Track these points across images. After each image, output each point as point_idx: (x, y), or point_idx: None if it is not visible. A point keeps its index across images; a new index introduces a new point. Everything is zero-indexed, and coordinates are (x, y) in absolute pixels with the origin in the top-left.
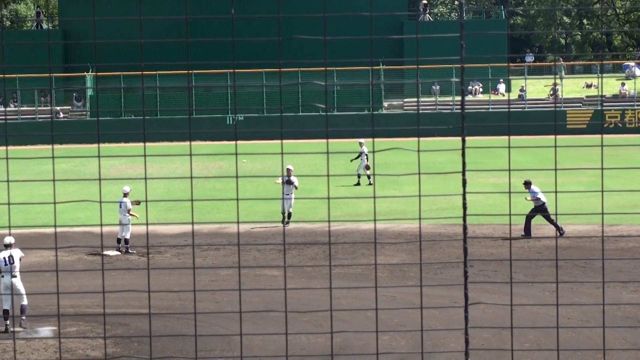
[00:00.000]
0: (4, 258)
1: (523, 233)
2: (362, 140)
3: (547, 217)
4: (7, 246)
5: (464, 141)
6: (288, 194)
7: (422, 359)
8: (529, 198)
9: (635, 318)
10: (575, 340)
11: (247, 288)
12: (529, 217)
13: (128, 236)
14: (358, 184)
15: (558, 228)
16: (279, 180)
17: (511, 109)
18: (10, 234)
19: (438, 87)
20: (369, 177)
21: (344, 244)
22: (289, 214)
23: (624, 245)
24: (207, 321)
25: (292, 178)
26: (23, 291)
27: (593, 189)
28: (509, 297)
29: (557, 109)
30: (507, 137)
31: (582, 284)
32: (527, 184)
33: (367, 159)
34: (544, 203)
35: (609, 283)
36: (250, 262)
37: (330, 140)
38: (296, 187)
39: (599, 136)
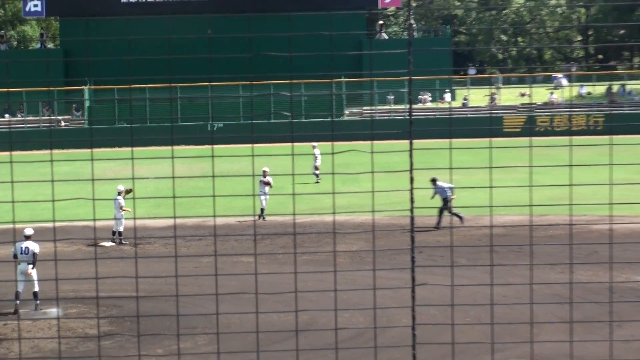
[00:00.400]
0: (22, 247)
1: (436, 225)
2: (314, 143)
3: (449, 208)
4: (27, 237)
5: (411, 143)
6: (264, 192)
7: (375, 333)
8: (451, 195)
9: (562, 295)
10: (509, 315)
11: (223, 273)
12: (441, 210)
13: (122, 229)
14: (317, 182)
15: (459, 217)
16: (266, 180)
17: (455, 115)
18: (21, 228)
19: (392, 97)
20: (317, 175)
21: (310, 234)
22: (262, 209)
23: (552, 232)
24: (191, 302)
25: (268, 178)
26: (36, 279)
27: (525, 184)
28: (447, 278)
29: (494, 114)
30: (452, 139)
31: (515, 266)
32: (434, 181)
33: (316, 160)
34: (448, 196)
35: (539, 265)
36: (228, 251)
37: (297, 144)
38: (271, 186)
39: (530, 138)
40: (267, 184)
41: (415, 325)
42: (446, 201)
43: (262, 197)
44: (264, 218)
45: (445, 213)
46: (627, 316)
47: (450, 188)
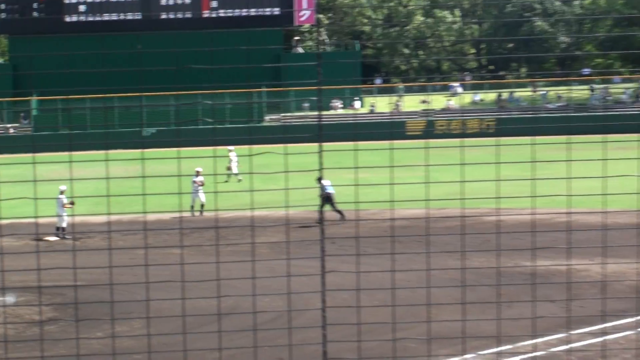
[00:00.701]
0: None
1: (318, 220)
2: (230, 147)
3: (332, 204)
4: None
5: (320, 146)
6: (196, 190)
7: (290, 316)
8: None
9: (458, 280)
10: (411, 298)
11: (154, 264)
12: (322, 206)
13: (65, 225)
14: (239, 180)
15: (341, 214)
16: (197, 180)
17: (363, 120)
18: None
19: (308, 105)
20: (228, 175)
21: (234, 227)
22: (202, 205)
23: (449, 224)
24: (128, 290)
25: (200, 177)
26: None
27: (425, 181)
28: (362, 266)
29: (398, 119)
30: (360, 142)
31: (417, 254)
32: (319, 180)
33: (230, 162)
34: (330, 194)
35: (438, 253)
36: (160, 244)
37: (221, 147)
38: (203, 184)
39: (430, 140)
40: (201, 183)
41: (325, 307)
42: (329, 198)
43: (200, 195)
44: (202, 213)
45: (327, 207)
46: (516, 297)
47: (330, 185)
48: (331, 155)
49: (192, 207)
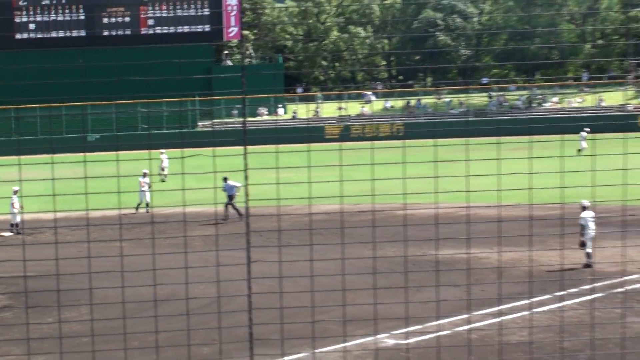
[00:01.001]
0: None
1: (224, 217)
2: (162, 150)
3: (232, 203)
4: None
5: (245, 149)
6: (144, 189)
7: (219, 301)
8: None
9: (372, 267)
10: (331, 284)
11: (98, 255)
12: (226, 205)
13: (18, 221)
14: (163, 180)
15: (239, 212)
16: (142, 180)
17: (287, 125)
18: None
19: (236, 112)
20: (165, 175)
21: (171, 222)
22: (147, 203)
23: (364, 217)
24: (76, 280)
25: (147, 178)
26: None
27: (342, 179)
28: (286, 256)
29: (317, 124)
30: (284, 144)
31: (336, 245)
32: (225, 180)
33: (163, 162)
34: (234, 194)
35: (355, 244)
36: (104, 237)
37: (155, 151)
38: (149, 184)
39: (346, 143)
40: (147, 183)
41: (251, 294)
42: (231, 197)
43: (146, 194)
44: (147, 210)
45: (231, 207)
46: (424, 282)
47: (237, 187)
48: (256, 157)
49: (139, 204)
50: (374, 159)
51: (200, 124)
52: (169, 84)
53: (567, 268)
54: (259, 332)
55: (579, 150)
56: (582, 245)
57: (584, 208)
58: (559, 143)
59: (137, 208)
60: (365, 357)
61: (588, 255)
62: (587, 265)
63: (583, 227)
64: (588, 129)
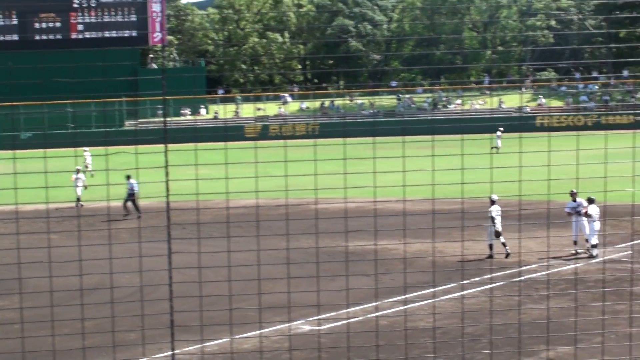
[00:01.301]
0: None
1: (125, 213)
2: (85, 148)
3: (133, 200)
4: None
5: (166, 147)
6: (78, 184)
7: (142, 290)
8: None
9: (290, 258)
10: (251, 274)
11: (28, 247)
12: (126, 201)
13: None
14: (92, 175)
15: (138, 211)
16: (74, 177)
17: (209, 125)
18: None
19: (161, 112)
20: (88, 171)
21: (98, 215)
22: (78, 198)
23: (282, 211)
24: (10, 270)
25: (81, 174)
26: None
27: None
28: (207, 248)
29: (238, 124)
30: (206, 143)
31: (255, 237)
32: (127, 177)
33: (85, 160)
34: (134, 192)
35: (273, 236)
36: (37, 230)
37: (86, 148)
38: (82, 180)
39: (265, 141)
40: (81, 178)
41: (172, 283)
42: (132, 195)
43: (78, 189)
44: (81, 205)
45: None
46: (337, 272)
47: (137, 184)
48: (182, 154)
49: (78, 199)
50: (289, 156)
51: (126, 123)
52: (99, 85)
53: (471, 259)
54: (180, 319)
55: (493, 148)
56: (497, 235)
57: (493, 202)
58: (463, 142)
59: (77, 203)
60: (282, 342)
61: (491, 247)
62: (490, 256)
63: (493, 220)
64: (502, 129)
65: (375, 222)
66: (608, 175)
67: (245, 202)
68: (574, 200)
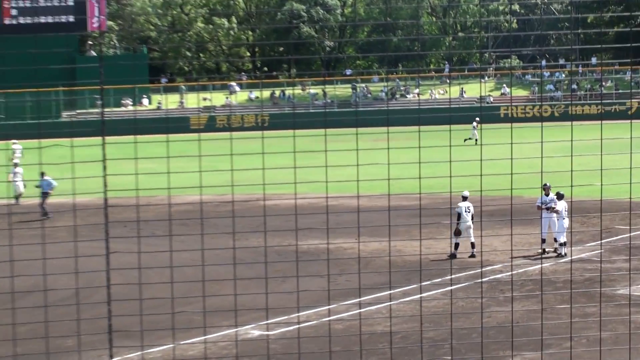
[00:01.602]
0: None
1: (43, 212)
2: (14, 140)
3: (43, 200)
4: None
5: (103, 139)
6: (16, 179)
7: (78, 293)
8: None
9: (240, 258)
10: (196, 276)
11: None
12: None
13: None
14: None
15: (46, 212)
16: (12, 173)
17: (151, 116)
18: None
19: (100, 102)
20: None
21: (33, 212)
22: (17, 195)
23: (230, 208)
24: None
25: (19, 168)
26: None
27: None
28: (150, 247)
29: (182, 115)
30: (149, 135)
31: (203, 235)
32: (42, 174)
33: (15, 152)
34: (49, 191)
35: (221, 235)
36: None
37: (16, 141)
38: (18, 175)
39: (212, 133)
40: (18, 172)
41: (111, 285)
42: (46, 194)
43: (19, 183)
44: (16, 202)
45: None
46: (290, 273)
47: (53, 185)
48: (124, 147)
49: (18, 195)
50: (237, 149)
51: (64, 114)
52: (33, 74)
53: (432, 259)
54: (120, 324)
55: (467, 140)
56: (457, 233)
57: (464, 198)
58: (422, 134)
59: (16, 199)
60: (230, 348)
61: (457, 246)
62: (453, 256)
63: (459, 216)
64: (478, 119)
65: (327, 220)
66: (575, 169)
67: (191, 198)
68: (547, 195)
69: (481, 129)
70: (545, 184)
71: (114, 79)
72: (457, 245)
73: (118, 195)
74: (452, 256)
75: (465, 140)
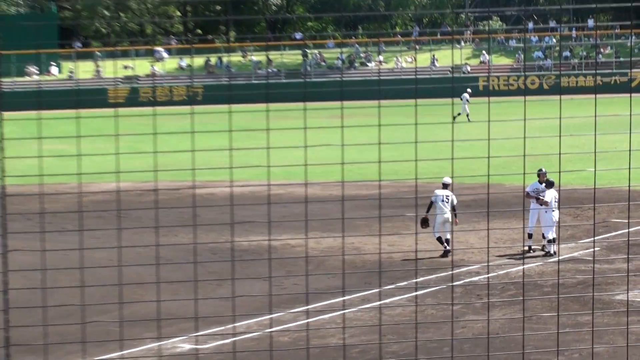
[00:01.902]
0: None
1: None
2: None
3: None
4: None
5: (1, 114)
6: None
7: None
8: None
9: (166, 257)
10: (115, 278)
11: None
12: None
13: None
14: None
15: None
16: None
17: (61, 87)
18: None
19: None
20: None
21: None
22: None
23: (154, 197)
24: None
25: None
26: None
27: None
28: (57, 244)
29: (99, 86)
30: (58, 110)
31: (123, 230)
32: None
33: None
34: None
35: (145, 230)
36: None
37: None
38: None
39: (134, 108)
40: None
41: (8, 289)
42: None
43: None
44: None
45: None
46: (226, 275)
47: None
48: (22, 124)
49: None
50: (164, 127)
51: None
52: None
53: (396, 258)
54: (20, 336)
55: (457, 116)
56: (424, 222)
57: (445, 186)
58: (391, 109)
59: None
60: None
61: (443, 240)
62: (446, 252)
63: (431, 205)
64: (470, 90)
65: (269, 212)
66: (566, 152)
67: (108, 185)
68: (541, 182)
69: (452, 104)
70: (540, 170)
71: (15, 42)
72: (440, 239)
73: (19, 182)
74: (445, 253)
75: (454, 117)
